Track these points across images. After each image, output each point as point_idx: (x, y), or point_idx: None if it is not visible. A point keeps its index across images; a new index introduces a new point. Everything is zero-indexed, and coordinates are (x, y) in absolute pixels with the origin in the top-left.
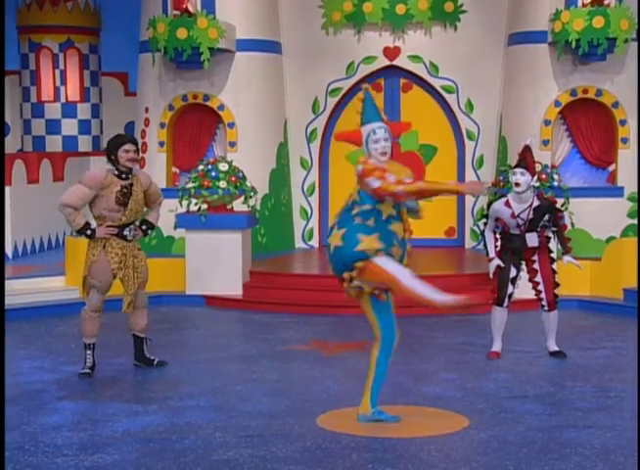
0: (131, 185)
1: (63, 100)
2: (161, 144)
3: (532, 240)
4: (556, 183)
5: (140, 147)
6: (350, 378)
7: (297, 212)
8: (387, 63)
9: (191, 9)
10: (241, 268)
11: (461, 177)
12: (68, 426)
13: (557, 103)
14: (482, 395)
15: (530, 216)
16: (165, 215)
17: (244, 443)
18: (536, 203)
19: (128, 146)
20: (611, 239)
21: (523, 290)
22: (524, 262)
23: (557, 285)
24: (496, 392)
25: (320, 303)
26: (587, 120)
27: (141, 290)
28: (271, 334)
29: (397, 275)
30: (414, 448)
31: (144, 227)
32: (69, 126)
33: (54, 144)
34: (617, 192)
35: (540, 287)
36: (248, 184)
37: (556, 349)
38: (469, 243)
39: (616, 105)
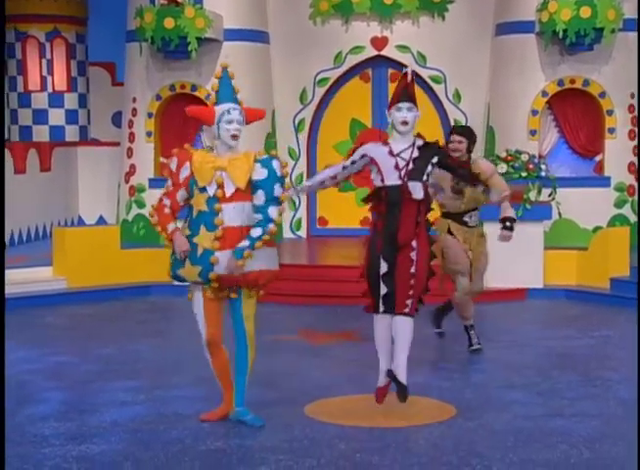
0: None
1: (50, 90)
2: (149, 134)
3: (417, 191)
4: (543, 173)
5: (471, 138)
6: (338, 368)
7: (285, 202)
8: (374, 53)
9: None
10: None
11: None
12: (56, 416)
13: (544, 93)
14: (470, 384)
15: (415, 155)
16: None
17: (231, 433)
18: (420, 142)
19: (453, 137)
20: (597, 229)
21: (502, 279)
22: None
23: (427, 290)
24: (483, 381)
25: (307, 293)
26: (574, 111)
27: (480, 276)
28: (258, 324)
29: None
30: (401, 438)
31: (507, 224)
32: (57, 116)
33: (41, 134)
34: (604, 182)
35: (412, 282)
36: None
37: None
38: None
39: (602, 95)
